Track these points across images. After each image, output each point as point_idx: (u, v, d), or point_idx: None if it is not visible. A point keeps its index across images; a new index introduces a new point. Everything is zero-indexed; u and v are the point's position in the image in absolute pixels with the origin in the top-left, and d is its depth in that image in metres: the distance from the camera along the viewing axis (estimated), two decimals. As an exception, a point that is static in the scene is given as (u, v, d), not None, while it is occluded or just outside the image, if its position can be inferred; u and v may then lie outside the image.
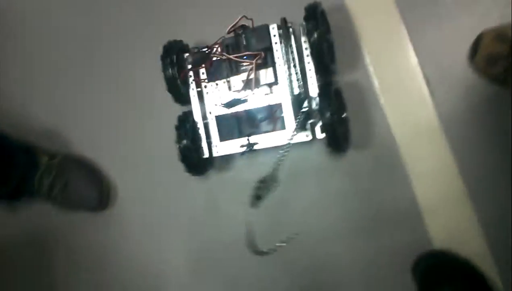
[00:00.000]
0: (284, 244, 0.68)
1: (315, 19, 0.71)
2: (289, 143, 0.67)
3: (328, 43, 0.76)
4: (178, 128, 0.80)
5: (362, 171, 0.81)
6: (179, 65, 0.80)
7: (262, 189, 0.60)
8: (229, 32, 0.74)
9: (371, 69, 0.80)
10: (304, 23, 0.73)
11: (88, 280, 0.96)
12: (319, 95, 0.74)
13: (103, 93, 0.97)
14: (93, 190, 0.91)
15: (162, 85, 0.80)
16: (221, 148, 0.80)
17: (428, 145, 0.78)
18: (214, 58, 0.77)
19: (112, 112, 0.96)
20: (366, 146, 0.81)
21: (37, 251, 0.98)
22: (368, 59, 0.80)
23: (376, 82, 0.80)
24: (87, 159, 0.96)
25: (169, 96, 0.82)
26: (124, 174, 0.95)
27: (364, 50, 0.81)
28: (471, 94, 0.76)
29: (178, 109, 0.82)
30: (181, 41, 0.83)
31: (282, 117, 0.76)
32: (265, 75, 0.75)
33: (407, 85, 0.79)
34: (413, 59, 0.79)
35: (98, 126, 0.97)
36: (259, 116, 0.79)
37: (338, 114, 0.74)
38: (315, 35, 0.71)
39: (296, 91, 0.75)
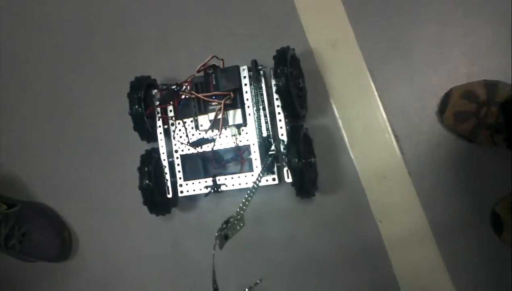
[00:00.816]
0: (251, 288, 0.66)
1: (284, 63, 0.71)
2: (255, 185, 0.65)
3: (298, 88, 0.76)
4: (140, 168, 0.77)
5: (329, 214, 0.80)
6: (146, 102, 0.78)
7: (229, 228, 0.57)
8: (199, 71, 0.74)
9: (339, 121, 0.81)
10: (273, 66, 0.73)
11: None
12: (288, 139, 0.73)
13: (66, 136, 0.93)
14: (53, 239, 0.87)
15: (127, 125, 0.78)
16: (186, 188, 0.77)
17: (397, 193, 0.78)
18: (183, 96, 0.76)
19: (74, 157, 0.93)
20: (334, 190, 0.80)
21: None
22: (336, 113, 0.81)
23: (344, 134, 0.80)
24: (47, 207, 0.92)
25: (133, 137, 0.79)
26: (87, 222, 0.91)
27: (332, 103, 0.81)
28: (440, 149, 0.77)
29: (142, 151, 0.80)
30: (149, 76, 0.82)
31: (250, 159, 0.75)
32: (234, 116, 0.74)
33: (376, 139, 0.79)
34: (382, 113, 0.79)
35: (60, 173, 0.93)
36: (226, 157, 0.78)
37: (306, 159, 0.73)
38: (283, 79, 0.70)
39: (265, 133, 0.74)
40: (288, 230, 0.82)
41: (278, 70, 0.70)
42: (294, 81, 0.74)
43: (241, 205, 0.61)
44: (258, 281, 0.66)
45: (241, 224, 0.60)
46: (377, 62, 0.80)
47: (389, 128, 0.79)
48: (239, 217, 0.59)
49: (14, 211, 0.87)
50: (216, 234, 0.58)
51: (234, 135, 0.75)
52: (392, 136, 0.78)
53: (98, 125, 0.92)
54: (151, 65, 0.87)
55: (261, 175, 0.68)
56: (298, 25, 0.83)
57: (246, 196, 0.62)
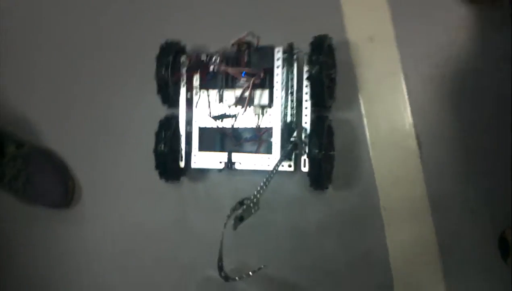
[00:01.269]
0: (254, 272, 0.66)
1: (320, 52, 0.70)
2: (274, 170, 0.65)
3: (329, 78, 0.74)
4: (158, 132, 0.76)
5: (339, 211, 0.79)
6: (173, 67, 0.76)
7: (245, 211, 0.57)
8: (232, 45, 0.72)
9: (364, 118, 0.79)
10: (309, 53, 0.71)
11: (43, 277, 0.91)
12: (311, 128, 0.72)
13: (84, 87, 0.92)
14: (57, 186, 0.87)
15: (147, 89, 0.77)
16: (200, 160, 0.77)
17: (408, 201, 0.77)
18: (211, 68, 0.75)
19: (89, 108, 0.91)
20: (347, 188, 0.79)
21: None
22: (363, 109, 0.79)
23: (367, 131, 0.79)
24: (55, 154, 0.91)
25: (153, 101, 0.78)
26: (93, 177, 0.90)
27: (360, 98, 0.80)
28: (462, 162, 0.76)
29: (157, 117, 0.79)
30: (179, 42, 0.80)
31: (268, 141, 0.74)
32: (260, 96, 0.73)
33: (398, 142, 0.78)
34: (409, 117, 0.78)
35: (73, 123, 0.92)
36: (245, 135, 0.77)
37: (326, 151, 0.72)
38: (317, 67, 0.69)
39: (289, 119, 0.73)
40: (295, 218, 0.81)
41: (313, 58, 0.69)
42: (327, 71, 0.72)
43: (258, 188, 0.61)
44: (262, 266, 0.66)
45: (256, 208, 0.60)
46: (412, 65, 0.78)
47: (414, 134, 0.77)
48: (255, 200, 0.59)
49: (22, 153, 0.87)
50: (230, 214, 0.57)
51: (257, 115, 0.74)
52: (416, 141, 0.77)
53: (117, 85, 0.90)
54: (181, 31, 0.84)
55: (280, 161, 0.68)
56: (339, 15, 0.80)
57: (265, 180, 0.62)
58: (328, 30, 0.74)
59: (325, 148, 0.71)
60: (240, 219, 0.57)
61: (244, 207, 0.58)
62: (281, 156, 0.70)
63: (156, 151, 0.75)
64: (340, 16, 0.81)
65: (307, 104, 0.73)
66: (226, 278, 0.63)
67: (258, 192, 0.60)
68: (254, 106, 0.73)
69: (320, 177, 0.72)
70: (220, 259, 0.61)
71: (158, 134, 0.76)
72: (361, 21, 0.80)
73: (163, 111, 0.80)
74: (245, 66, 0.72)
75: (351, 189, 0.79)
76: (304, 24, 0.81)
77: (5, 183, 0.86)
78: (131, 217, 0.88)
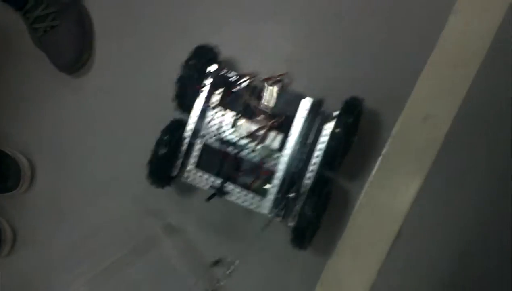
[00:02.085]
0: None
1: (351, 115, 0.68)
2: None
3: (346, 145, 0.72)
4: (164, 131, 0.74)
5: (311, 274, 0.78)
6: (199, 75, 0.73)
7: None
8: (263, 80, 0.70)
9: (362, 195, 0.78)
10: (336, 112, 0.69)
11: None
12: (312, 186, 0.70)
13: None
14: (73, 50, 0.87)
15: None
16: (193, 176, 0.74)
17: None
18: (235, 90, 0.72)
19: None
20: (325, 254, 0.78)
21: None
22: (365, 186, 0.78)
23: (356, 208, 0.78)
24: (89, 19, 0.91)
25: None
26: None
27: (369, 177, 0.78)
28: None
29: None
30: (212, 49, 0.77)
31: (265, 178, 0.72)
32: (274, 138, 0.70)
33: (382, 227, 0.77)
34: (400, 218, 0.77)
35: None
36: (245, 167, 0.74)
37: (317, 214, 0.70)
38: (342, 130, 0.67)
39: (293, 169, 0.71)
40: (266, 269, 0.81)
41: (342, 119, 0.67)
42: (350, 136, 0.70)
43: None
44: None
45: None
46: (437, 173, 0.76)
47: (400, 224, 0.76)
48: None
49: (60, 2, 0.87)
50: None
51: (265, 155, 0.72)
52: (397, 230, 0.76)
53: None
54: (219, 36, 0.81)
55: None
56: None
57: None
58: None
59: (317, 211, 0.69)
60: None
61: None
62: (272, 214, 0.68)
63: (156, 148, 0.73)
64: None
65: (316, 161, 0.71)
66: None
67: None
68: (264, 146, 0.71)
69: (303, 237, 0.70)
70: None
71: (163, 133, 0.74)
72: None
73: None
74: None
75: (327, 256, 0.78)
76: (343, 82, 0.79)
77: (28, 17, 0.86)
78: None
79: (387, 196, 0.77)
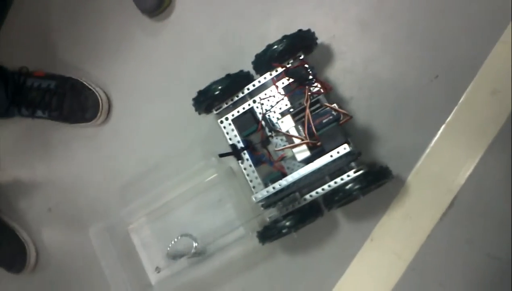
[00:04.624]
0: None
1: (371, 183, 0.72)
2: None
3: (350, 199, 0.76)
4: (229, 75, 0.79)
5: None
6: (285, 53, 0.76)
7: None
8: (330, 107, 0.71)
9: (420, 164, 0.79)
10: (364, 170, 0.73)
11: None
12: (300, 208, 0.77)
13: None
14: None
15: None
16: (226, 123, 0.81)
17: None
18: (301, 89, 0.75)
19: None
20: (377, 214, 0.81)
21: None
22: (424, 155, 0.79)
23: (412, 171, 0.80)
24: None
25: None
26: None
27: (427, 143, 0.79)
28: None
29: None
30: (312, 37, 0.78)
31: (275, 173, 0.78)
32: (301, 151, 0.71)
33: (436, 195, 0.78)
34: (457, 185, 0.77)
35: None
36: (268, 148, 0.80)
37: (288, 231, 0.75)
38: (355, 188, 0.71)
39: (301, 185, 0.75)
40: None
41: (363, 180, 0.72)
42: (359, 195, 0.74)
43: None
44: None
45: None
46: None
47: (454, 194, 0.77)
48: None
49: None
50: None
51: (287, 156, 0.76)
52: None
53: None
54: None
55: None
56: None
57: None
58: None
59: (290, 229, 0.74)
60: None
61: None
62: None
63: (210, 85, 0.79)
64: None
65: (322, 192, 0.76)
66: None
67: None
68: (290, 155, 0.75)
69: (266, 238, 0.77)
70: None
71: (222, 78, 0.79)
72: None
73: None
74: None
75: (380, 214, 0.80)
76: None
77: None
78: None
79: (445, 165, 0.77)
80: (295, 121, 0.72)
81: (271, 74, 0.78)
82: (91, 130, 0.99)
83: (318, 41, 0.80)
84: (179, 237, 0.86)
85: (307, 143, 0.70)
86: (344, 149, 0.68)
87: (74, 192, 1.00)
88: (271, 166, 0.78)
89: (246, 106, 0.80)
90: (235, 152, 0.78)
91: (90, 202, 0.98)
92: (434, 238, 0.77)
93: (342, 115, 0.70)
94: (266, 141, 0.79)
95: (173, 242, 0.86)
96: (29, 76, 0.97)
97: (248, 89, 0.79)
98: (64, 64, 1.02)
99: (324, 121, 0.70)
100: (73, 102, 0.94)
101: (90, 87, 0.95)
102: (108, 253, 0.87)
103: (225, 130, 0.80)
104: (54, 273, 1.00)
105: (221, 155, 0.78)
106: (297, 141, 0.71)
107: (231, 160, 0.83)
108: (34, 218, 1.02)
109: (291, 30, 0.75)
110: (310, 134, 0.70)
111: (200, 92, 0.79)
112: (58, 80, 0.96)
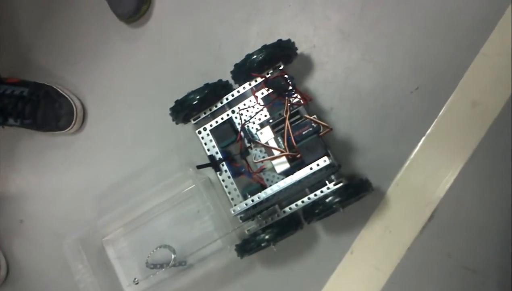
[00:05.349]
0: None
1: (352, 195, 0.71)
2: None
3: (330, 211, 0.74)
4: (208, 84, 0.77)
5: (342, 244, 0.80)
6: (264, 63, 0.75)
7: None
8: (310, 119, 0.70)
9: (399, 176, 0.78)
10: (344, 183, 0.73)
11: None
12: (279, 221, 0.76)
13: None
14: None
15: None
16: (204, 134, 0.78)
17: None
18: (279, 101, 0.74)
19: None
20: (357, 226, 0.79)
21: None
22: (404, 167, 0.78)
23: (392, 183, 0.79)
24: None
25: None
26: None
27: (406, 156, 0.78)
28: None
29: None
30: (292, 48, 0.77)
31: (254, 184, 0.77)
32: (280, 163, 0.70)
33: (415, 207, 0.78)
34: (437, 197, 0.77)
35: None
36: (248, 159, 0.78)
37: (266, 244, 0.74)
38: (335, 201, 0.70)
39: (280, 197, 0.74)
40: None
41: (344, 193, 0.71)
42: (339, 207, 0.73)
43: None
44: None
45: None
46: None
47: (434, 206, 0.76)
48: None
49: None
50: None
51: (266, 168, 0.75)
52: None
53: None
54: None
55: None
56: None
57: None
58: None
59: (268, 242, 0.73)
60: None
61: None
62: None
63: (188, 94, 0.77)
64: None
65: (301, 205, 0.75)
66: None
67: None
68: (269, 167, 0.73)
69: (244, 251, 0.75)
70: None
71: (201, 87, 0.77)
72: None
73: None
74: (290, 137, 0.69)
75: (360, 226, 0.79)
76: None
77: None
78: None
79: (425, 178, 0.77)
80: (275, 133, 0.70)
81: (250, 84, 0.77)
82: (65, 138, 0.96)
83: (298, 51, 0.79)
84: (157, 249, 0.84)
85: (286, 156, 0.69)
86: (324, 161, 0.67)
87: (47, 203, 0.97)
88: (250, 178, 0.77)
89: (225, 116, 0.78)
90: (213, 163, 0.77)
91: (63, 213, 0.95)
92: (414, 251, 0.76)
93: (322, 127, 0.69)
94: (245, 152, 0.77)
95: (151, 254, 0.84)
96: (1, 82, 0.93)
97: (227, 99, 0.78)
98: (39, 70, 0.99)
99: (303, 133, 0.69)
100: (46, 110, 0.91)
101: (64, 94, 0.92)
102: (82, 265, 0.85)
103: (203, 141, 0.79)
104: (25, 287, 0.97)
105: (199, 166, 0.76)
106: (276, 153, 0.69)
107: (209, 171, 0.81)
108: (5, 229, 0.99)
109: (272, 37, 0.74)
110: (290, 146, 0.69)
111: (178, 102, 0.77)
112: (32, 87, 0.93)
